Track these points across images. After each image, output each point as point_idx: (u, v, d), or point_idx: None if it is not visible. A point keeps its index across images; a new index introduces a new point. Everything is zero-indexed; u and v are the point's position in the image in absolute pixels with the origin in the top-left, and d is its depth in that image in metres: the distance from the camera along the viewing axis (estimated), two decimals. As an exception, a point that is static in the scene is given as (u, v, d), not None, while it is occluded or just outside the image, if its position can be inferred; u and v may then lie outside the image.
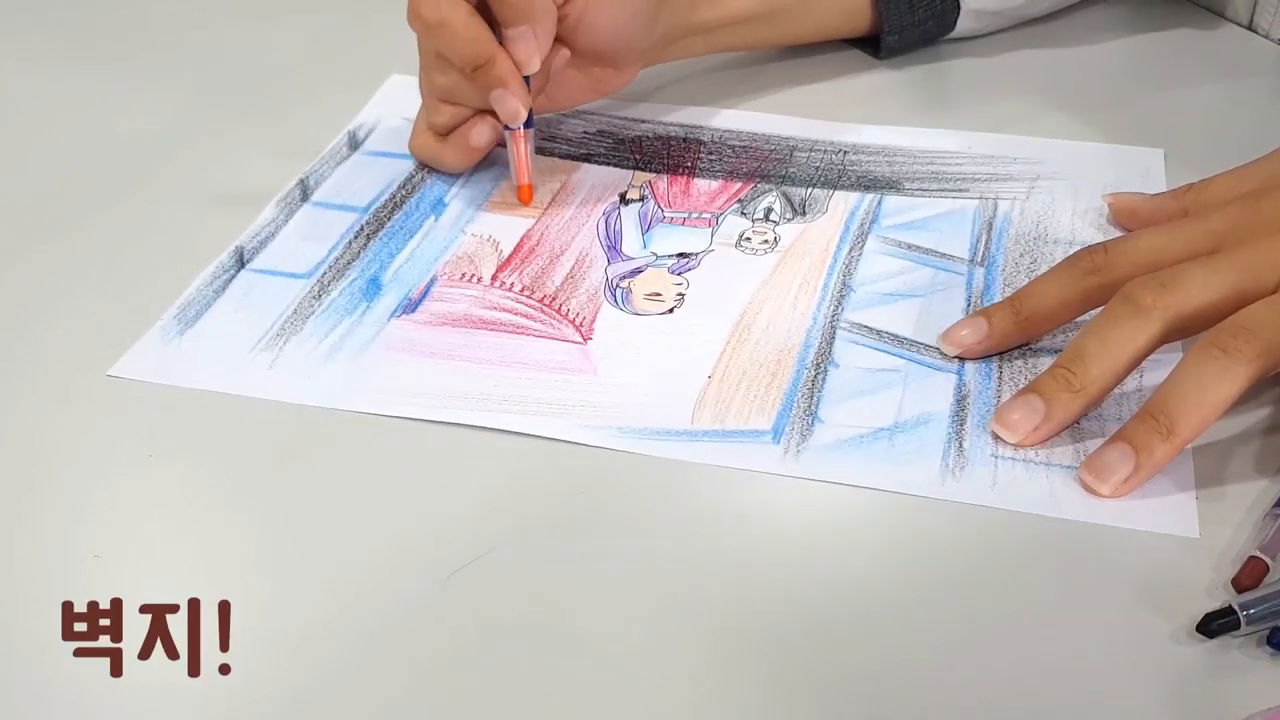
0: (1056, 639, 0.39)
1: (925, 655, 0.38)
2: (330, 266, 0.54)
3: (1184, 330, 0.44)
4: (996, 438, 0.45)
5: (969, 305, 0.51)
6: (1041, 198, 0.58)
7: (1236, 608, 0.38)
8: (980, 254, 0.54)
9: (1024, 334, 0.48)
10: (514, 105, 0.55)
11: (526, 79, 0.56)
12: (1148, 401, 0.43)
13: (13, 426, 0.47)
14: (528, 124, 0.57)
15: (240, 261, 0.55)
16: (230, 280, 0.54)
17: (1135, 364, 0.45)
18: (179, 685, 0.38)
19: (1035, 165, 0.60)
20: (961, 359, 0.49)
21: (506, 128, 0.57)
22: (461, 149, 0.59)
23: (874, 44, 0.69)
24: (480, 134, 0.58)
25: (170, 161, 0.63)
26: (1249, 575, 0.39)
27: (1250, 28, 0.70)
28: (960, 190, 0.58)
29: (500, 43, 0.54)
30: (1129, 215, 0.55)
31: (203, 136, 0.64)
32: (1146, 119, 0.62)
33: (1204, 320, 0.44)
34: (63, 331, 0.52)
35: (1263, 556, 0.40)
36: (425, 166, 0.61)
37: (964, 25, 0.68)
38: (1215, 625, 0.38)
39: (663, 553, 0.42)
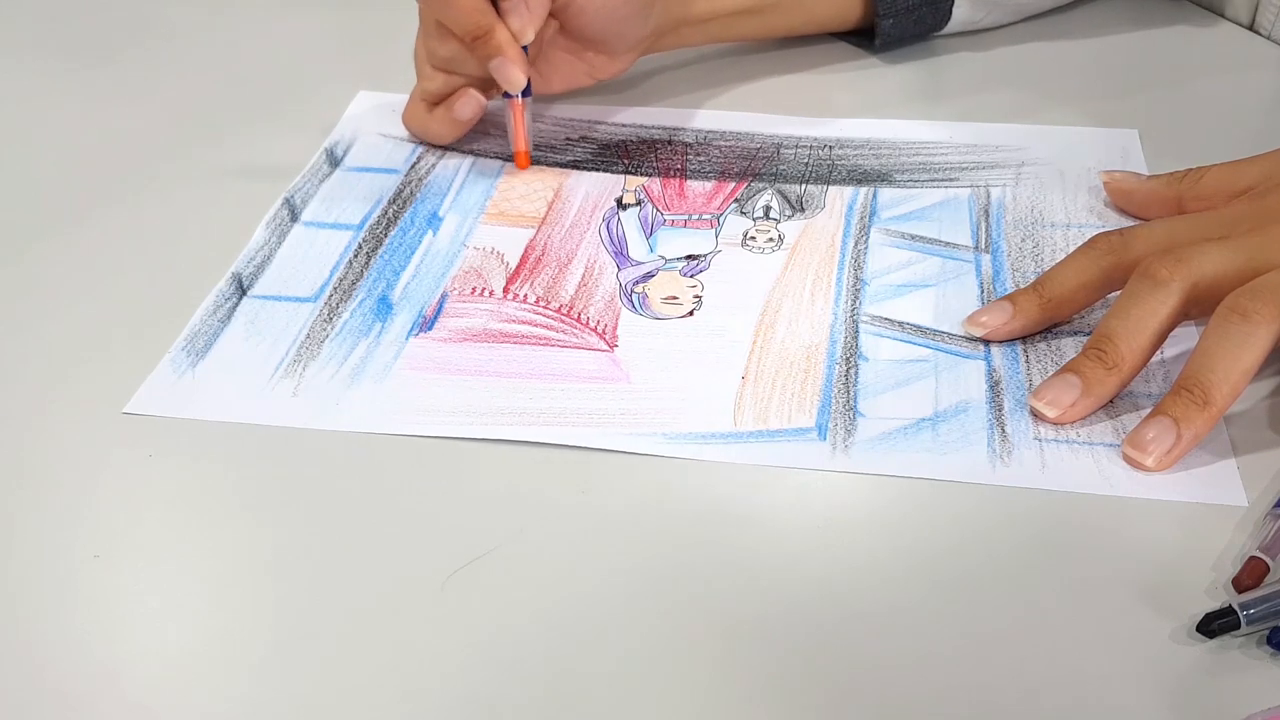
0: (1057, 639, 0.39)
1: (923, 655, 0.39)
2: (335, 288, 0.53)
3: (1201, 302, 0.46)
4: (1036, 419, 0.46)
5: (982, 292, 0.52)
6: (1030, 183, 0.59)
7: (1236, 608, 0.38)
8: (983, 241, 0.55)
9: (1048, 317, 0.49)
10: (512, 72, 0.57)
11: (525, 49, 0.58)
12: (1180, 375, 0.44)
13: (27, 459, 0.46)
14: (526, 93, 0.59)
15: (240, 288, 0.53)
16: (234, 308, 0.52)
17: (1161, 337, 0.46)
18: (179, 686, 0.38)
19: (1018, 151, 0.61)
20: (987, 342, 0.49)
21: (506, 95, 0.59)
22: (447, 121, 0.61)
23: (871, 37, 0.69)
24: (465, 107, 0.60)
25: (140, 181, 0.61)
26: (1249, 575, 0.40)
27: (1252, 28, 0.71)
28: (951, 180, 0.59)
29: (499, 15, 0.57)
30: (1124, 196, 0.56)
31: (170, 157, 0.63)
32: (1144, 117, 0.63)
33: (1220, 291, 0.45)
34: (62, 364, 0.50)
35: (1263, 556, 0.40)
36: (413, 181, 0.60)
37: (960, 15, 0.69)
38: (1215, 625, 0.38)
39: (681, 551, 0.42)
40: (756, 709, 0.37)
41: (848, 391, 0.47)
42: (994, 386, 0.47)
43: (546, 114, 0.65)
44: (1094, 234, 0.50)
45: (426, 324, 0.51)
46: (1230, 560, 0.41)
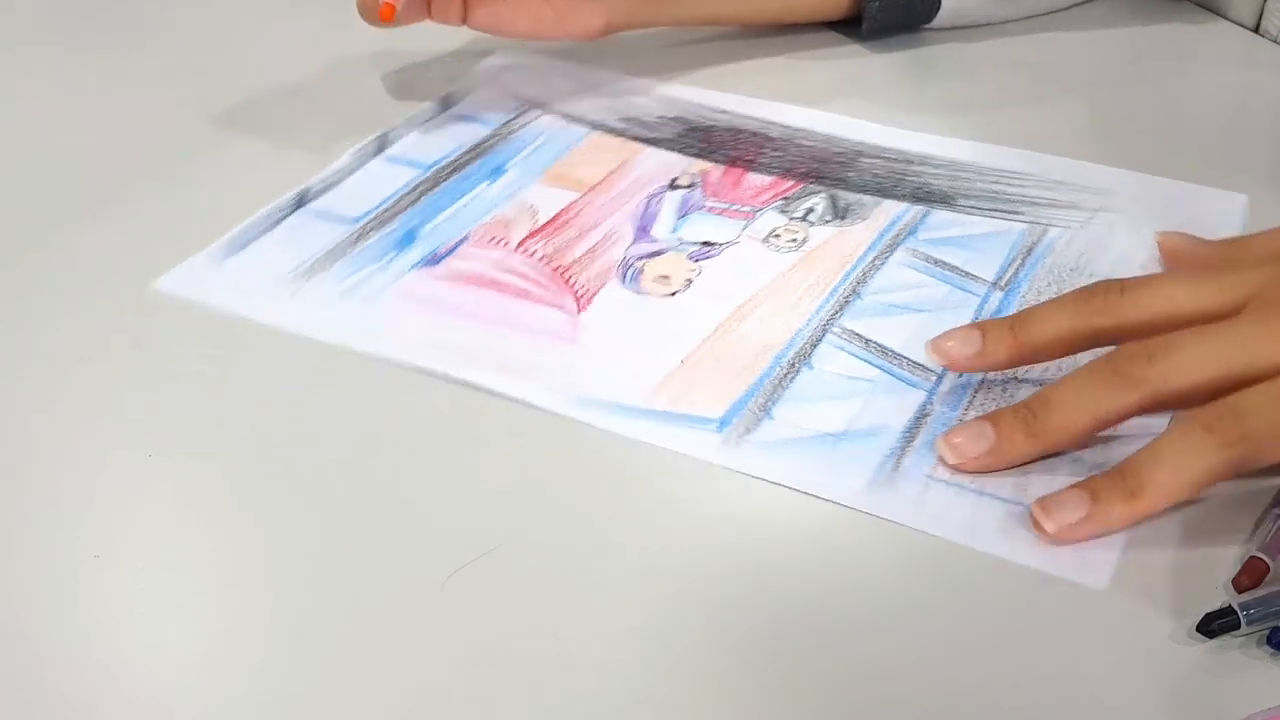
0: (1056, 639, 0.39)
1: (923, 654, 0.38)
2: (376, 217, 0.58)
3: (1165, 405, 0.42)
4: (942, 459, 0.44)
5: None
6: (1097, 230, 0.55)
7: (1236, 608, 0.38)
8: (1006, 278, 0.53)
9: (1015, 358, 0.46)
10: None
11: None
12: (1126, 459, 0.41)
13: (28, 459, 0.46)
14: None
15: (300, 202, 0.59)
16: (284, 219, 0.57)
17: (1103, 427, 0.43)
18: (179, 686, 0.38)
19: (1103, 195, 0.57)
20: (950, 371, 0.48)
21: None
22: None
23: (859, 25, 0.70)
24: None
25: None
26: (1249, 575, 0.39)
27: (1257, 31, 0.70)
28: (1013, 212, 0.57)
29: None
30: (1174, 259, 0.52)
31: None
32: (1144, 113, 0.63)
33: (1190, 399, 0.42)
34: (62, 365, 0.51)
35: (1263, 556, 0.40)
36: (500, 135, 0.63)
37: (949, 8, 0.69)
38: (1215, 625, 0.38)
39: (682, 552, 0.42)
40: (757, 708, 0.37)
41: (772, 393, 0.47)
42: (918, 419, 0.46)
43: (653, 91, 0.67)
44: (1098, 282, 0.46)
45: (434, 260, 0.55)
46: (1230, 560, 0.41)
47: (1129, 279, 0.46)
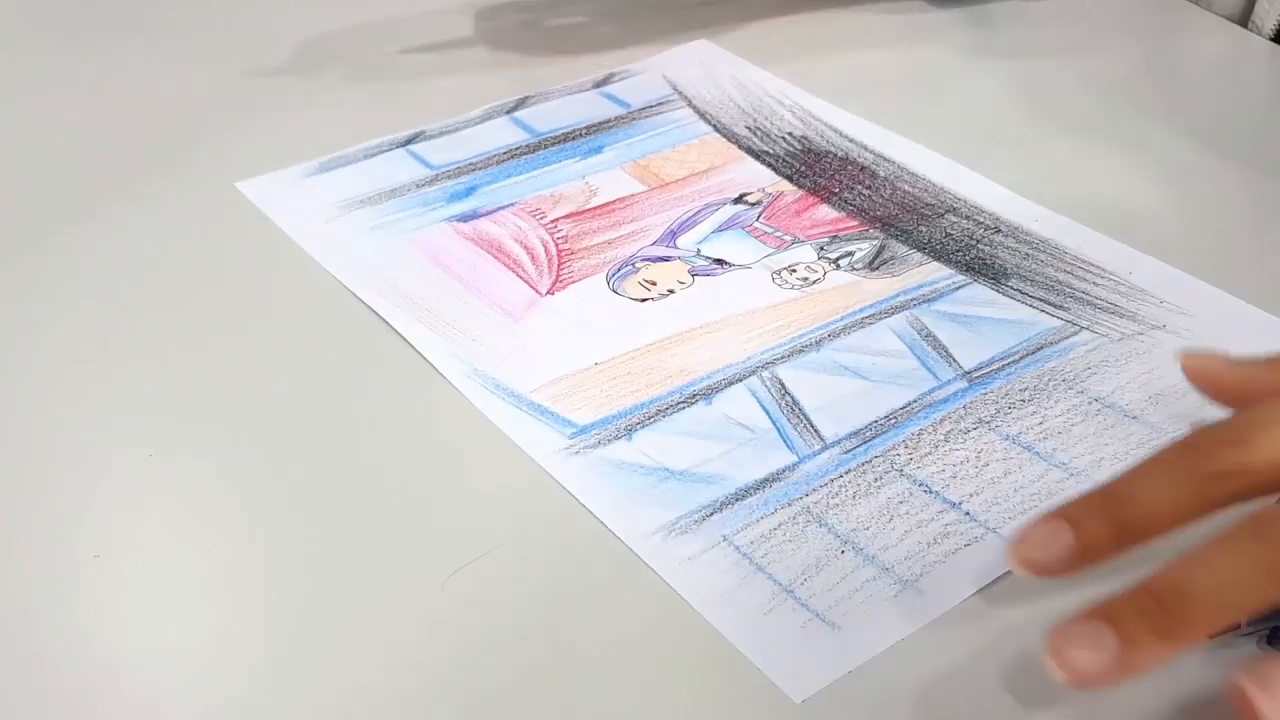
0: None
1: (918, 648, 0.38)
2: (457, 168, 0.61)
3: None
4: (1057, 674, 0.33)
5: (907, 405, 0.46)
6: (1138, 348, 0.48)
7: None
8: (984, 371, 0.47)
9: (1119, 549, 0.34)
10: None
11: None
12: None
13: (27, 459, 0.46)
14: None
15: (408, 141, 0.63)
16: (384, 152, 0.62)
17: (1252, 615, 0.36)
18: (179, 686, 0.39)
19: (1174, 314, 0.50)
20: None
21: None
22: None
23: None
24: None
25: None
26: None
27: (1245, 26, 0.71)
28: (1057, 306, 0.50)
29: None
30: (1209, 382, 0.40)
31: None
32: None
33: None
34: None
35: None
36: (627, 119, 0.64)
37: None
38: None
39: None
40: (766, 708, 0.37)
41: (648, 418, 0.46)
42: (765, 481, 0.43)
43: (802, 107, 0.65)
44: (1197, 432, 0.35)
45: (468, 218, 0.57)
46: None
47: (1232, 421, 0.35)
